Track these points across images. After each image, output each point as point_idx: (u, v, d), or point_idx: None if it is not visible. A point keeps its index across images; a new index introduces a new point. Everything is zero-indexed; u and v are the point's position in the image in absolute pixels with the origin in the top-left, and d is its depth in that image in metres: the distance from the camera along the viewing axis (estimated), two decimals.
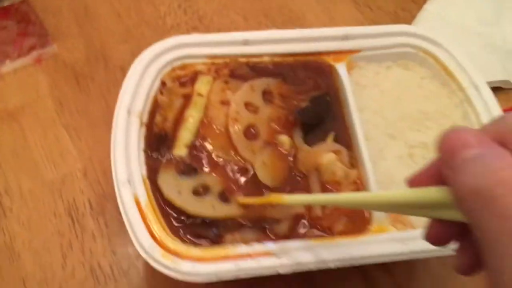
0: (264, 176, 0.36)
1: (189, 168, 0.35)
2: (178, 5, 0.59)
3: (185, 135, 0.37)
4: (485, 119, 0.39)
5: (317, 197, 0.33)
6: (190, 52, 0.40)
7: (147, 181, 0.35)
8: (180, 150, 0.36)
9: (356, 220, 0.35)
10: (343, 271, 0.42)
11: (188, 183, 0.35)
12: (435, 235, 0.24)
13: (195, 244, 0.33)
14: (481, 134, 0.21)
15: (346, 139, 0.39)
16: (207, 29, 0.56)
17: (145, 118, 0.37)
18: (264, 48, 0.41)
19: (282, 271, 0.32)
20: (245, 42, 0.41)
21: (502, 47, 0.56)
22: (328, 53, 0.42)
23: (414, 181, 0.24)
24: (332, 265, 0.33)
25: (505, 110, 0.52)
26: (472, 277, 0.25)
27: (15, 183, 0.46)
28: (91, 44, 0.54)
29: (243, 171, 0.36)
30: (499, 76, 0.54)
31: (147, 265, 0.42)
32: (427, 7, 0.58)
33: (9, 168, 0.46)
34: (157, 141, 0.36)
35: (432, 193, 0.23)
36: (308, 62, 0.41)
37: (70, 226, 0.44)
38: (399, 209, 0.26)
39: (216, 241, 0.34)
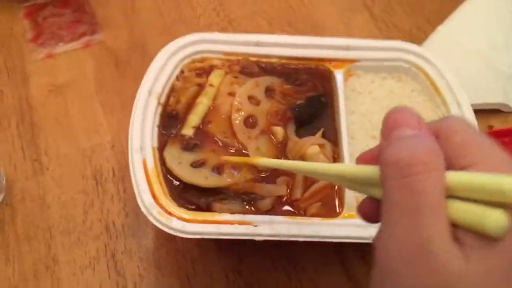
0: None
1: (192, 145, 0.42)
2: (213, 8, 0.65)
3: (194, 118, 0.43)
4: None
5: (284, 163, 0.35)
6: (209, 48, 0.47)
7: (156, 151, 0.42)
8: (188, 130, 0.43)
9: (329, 206, 0.40)
10: (321, 251, 0.47)
11: (189, 157, 0.41)
12: (365, 211, 0.26)
13: (188, 208, 0.39)
14: (423, 121, 0.23)
15: (333, 136, 0.44)
16: (235, 30, 0.63)
17: (163, 99, 0.44)
18: (273, 50, 0.47)
19: (257, 238, 0.38)
20: (257, 44, 0.47)
21: (506, 72, 0.59)
22: (330, 60, 0.47)
23: (361, 159, 0.26)
24: (300, 239, 0.38)
25: (489, 132, 0.56)
26: None
27: (54, 146, 0.53)
28: (133, 35, 0.62)
29: (239, 153, 0.42)
30: (499, 99, 0.57)
31: (153, 228, 0.49)
32: (440, 28, 0.62)
33: (51, 133, 0.54)
34: (169, 119, 0.43)
35: (368, 170, 0.24)
36: (310, 66, 0.47)
37: (94, 188, 0.51)
38: (344, 183, 0.28)
39: (205, 208, 0.40)
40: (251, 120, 0.44)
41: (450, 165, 0.22)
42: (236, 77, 0.45)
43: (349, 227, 0.38)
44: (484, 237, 0.20)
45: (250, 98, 0.44)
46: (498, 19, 0.63)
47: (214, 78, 0.45)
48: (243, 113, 0.44)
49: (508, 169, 0.21)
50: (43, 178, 0.52)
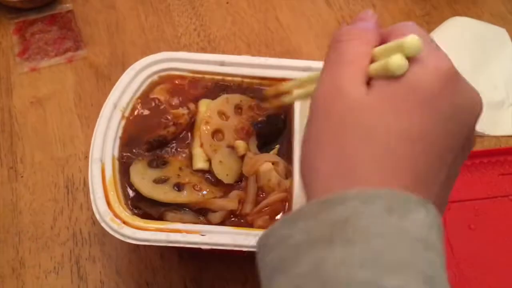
0: (219, 172, 0.44)
1: (159, 163, 0.44)
2: (194, 28, 0.68)
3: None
4: None
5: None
6: (176, 66, 0.49)
7: (116, 162, 0.44)
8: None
9: (275, 220, 0.42)
10: None
11: (152, 173, 0.43)
12: None
13: (141, 217, 0.41)
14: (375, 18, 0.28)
15: (288, 153, 0.46)
16: (214, 51, 0.65)
17: (127, 113, 0.46)
18: (237, 70, 0.49)
19: (203, 247, 0.40)
20: (222, 63, 0.49)
21: None
22: (290, 80, 0.49)
23: None
24: (244, 249, 0.39)
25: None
26: None
27: (30, 155, 0.56)
28: (115, 52, 0.65)
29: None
30: None
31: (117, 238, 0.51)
32: None
33: (28, 143, 0.57)
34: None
35: None
36: (272, 85, 0.49)
37: (64, 196, 0.54)
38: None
39: (158, 217, 0.42)
40: (219, 134, 0.46)
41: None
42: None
43: None
44: (387, 77, 0.25)
45: (219, 113, 0.46)
46: (464, 46, 0.65)
47: (203, 106, 0.48)
48: (209, 126, 0.45)
49: (431, 48, 0.26)
50: (17, 185, 0.54)
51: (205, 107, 0.47)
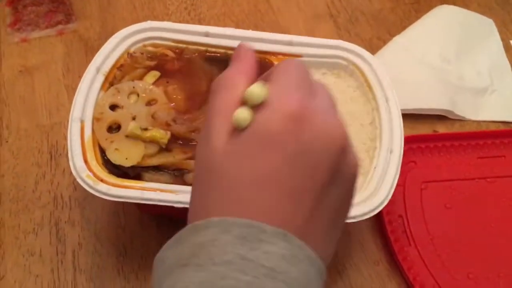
0: (116, 159, 0.43)
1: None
2: (185, 7, 0.69)
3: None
4: (386, 125, 0.46)
5: None
6: (160, 35, 0.50)
7: (96, 123, 0.45)
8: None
9: None
10: None
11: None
12: None
13: (117, 175, 0.42)
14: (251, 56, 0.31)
15: None
16: None
17: (110, 78, 0.47)
18: (221, 41, 0.50)
19: (176, 205, 0.40)
20: (206, 34, 0.50)
21: (455, 83, 0.62)
22: (274, 53, 0.50)
23: None
24: None
25: (434, 136, 0.58)
26: None
27: (16, 121, 0.57)
28: (105, 26, 0.66)
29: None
30: (445, 106, 0.59)
31: (98, 202, 0.52)
32: (396, 38, 0.65)
33: (15, 110, 0.58)
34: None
35: None
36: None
37: (47, 161, 0.54)
38: None
39: (134, 177, 0.42)
40: (116, 126, 0.46)
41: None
42: (167, 82, 0.48)
43: None
44: (241, 130, 0.27)
45: (112, 105, 0.46)
46: (450, 34, 0.66)
47: (149, 78, 0.48)
48: (102, 122, 0.45)
49: (278, 88, 0.27)
50: (1, 149, 0.55)
51: (153, 78, 0.48)
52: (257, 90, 0.27)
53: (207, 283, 0.23)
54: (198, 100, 0.47)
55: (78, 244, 0.50)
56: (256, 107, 0.27)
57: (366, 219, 0.52)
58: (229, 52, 0.50)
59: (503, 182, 0.56)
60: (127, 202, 0.49)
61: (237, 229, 0.24)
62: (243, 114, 0.26)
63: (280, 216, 0.25)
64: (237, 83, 0.28)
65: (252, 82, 0.28)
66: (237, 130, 0.27)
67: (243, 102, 0.27)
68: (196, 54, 0.50)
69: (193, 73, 0.49)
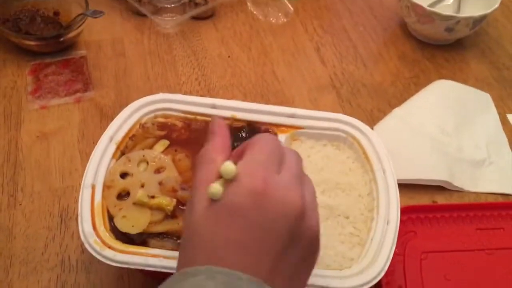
0: (122, 226, 0.45)
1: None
2: (195, 78, 0.73)
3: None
4: (383, 196, 0.48)
5: None
6: (171, 106, 0.53)
7: (106, 190, 0.47)
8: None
9: None
10: None
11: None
12: None
13: (123, 241, 0.44)
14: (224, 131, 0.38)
15: None
16: None
17: (122, 146, 0.50)
18: (227, 113, 0.53)
19: None
20: (213, 106, 0.53)
21: (453, 155, 0.64)
22: (277, 125, 0.53)
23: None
24: None
25: (433, 206, 0.60)
26: None
27: (30, 184, 0.60)
28: (120, 95, 0.70)
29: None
30: (444, 177, 0.61)
31: (103, 266, 0.53)
32: (396, 110, 0.68)
33: (30, 173, 0.61)
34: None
35: None
36: (259, 130, 0.53)
37: (58, 225, 0.56)
38: None
39: (140, 243, 0.44)
40: (125, 193, 0.48)
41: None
42: (176, 150, 0.51)
43: None
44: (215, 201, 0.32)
45: (122, 173, 0.48)
46: (449, 107, 0.69)
47: (159, 147, 0.51)
48: (112, 190, 0.47)
49: (247, 166, 0.33)
50: (15, 212, 0.57)
51: (162, 147, 0.51)
52: (228, 168, 0.32)
53: None
54: None
55: None
56: (229, 181, 0.32)
57: None
58: (235, 123, 0.53)
59: (502, 254, 0.56)
60: (131, 268, 0.51)
61: (220, 276, 0.29)
62: (215, 189, 0.32)
63: (249, 269, 0.30)
64: (214, 157, 0.34)
65: (227, 155, 0.35)
66: (212, 200, 0.32)
67: (220, 175, 0.33)
68: (203, 125, 0.53)
69: (198, 143, 0.52)
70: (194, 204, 0.33)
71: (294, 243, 0.32)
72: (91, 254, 0.53)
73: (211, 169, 0.34)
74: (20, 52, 0.73)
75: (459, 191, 0.62)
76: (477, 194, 0.63)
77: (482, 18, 0.74)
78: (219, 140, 0.36)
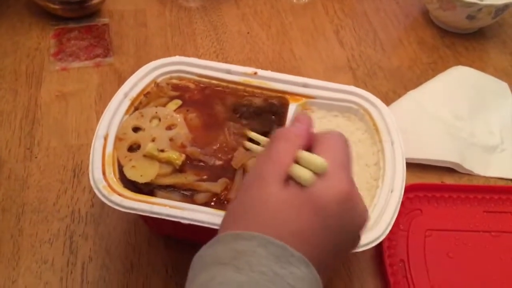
0: (131, 175, 0.46)
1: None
2: (213, 51, 0.74)
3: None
4: (390, 167, 0.48)
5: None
6: (186, 69, 0.54)
7: (118, 142, 0.48)
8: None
9: None
10: None
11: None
12: None
13: (131, 190, 0.45)
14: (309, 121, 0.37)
15: None
16: None
17: (136, 103, 0.51)
18: (241, 78, 0.54)
19: (182, 221, 0.43)
20: (228, 71, 0.54)
21: (466, 139, 0.64)
22: (290, 93, 0.54)
23: None
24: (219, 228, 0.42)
25: (441, 185, 0.59)
26: None
27: (47, 140, 0.61)
28: (138, 62, 0.71)
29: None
30: (455, 159, 0.61)
31: (111, 220, 0.55)
32: (411, 92, 0.68)
33: (48, 129, 0.62)
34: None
35: None
36: (271, 97, 0.53)
37: (71, 178, 0.58)
38: None
39: (147, 193, 0.45)
40: (136, 145, 0.49)
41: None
42: (187, 110, 0.52)
43: None
44: (299, 185, 0.33)
45: (134, 128, 0.50)
46: (464, 93, 0.68)
47: (172, 105, 0.52)
48: (124, 142, 0.48)
49: (335, 165, 0.34)
50: (30, 164, 0.59)
51: (175, 105, 0.52)
52: (320, 162, 0.33)
53: (245, 284, 0.29)
54: (213, 129, 0.50)
55: (88, 257, 0.52)
56: (317, 174, 0.33)
57: (368, 260, 0.54)
58: (248, 89, 0.54)
59: (508, 237, 0.56)
60: (138, 222, 0.53)
61: (272, 247, 0.30)
62: (309, 176, 0.32)
63: (304, 252, 0.31)
64: (296, 141, 0.35)
65: (305, 145, 0.35)
66: (295, 183, 0.33)
67: (297, 160, 0.34)
68: (215, 89, 0.54)
69: (210, 105, 0.53)
70: (266, 179, 0.33)
71: (349, 244, 0.36)
72: (100, 208, 0.55)
73: (291, 149, 0.34)
74: (45, 16, 0.75)
75: (469, 175, 0.62)
76: (486, 178, 0.62)
77: (505, 7, 0.73)
78: (304, 128, 0.36)
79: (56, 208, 0.55)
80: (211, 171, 0.48)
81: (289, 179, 0.33)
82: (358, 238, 0.36)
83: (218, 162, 0.48)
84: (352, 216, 0.34)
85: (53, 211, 0.55)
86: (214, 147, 0.49)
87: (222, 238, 0.32)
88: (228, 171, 0.48)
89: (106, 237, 0.54)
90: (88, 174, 0.57)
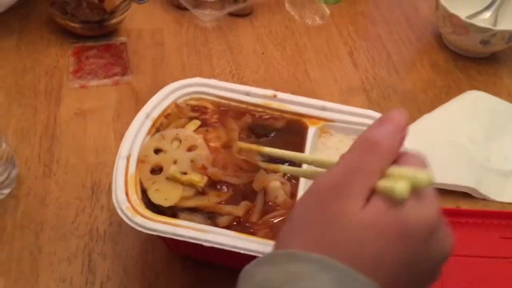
0: (156, 198, 0.47)
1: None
2: (229, 70, 0.75)
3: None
4: None
5: (285, 153, 0.46)
6: (205, 90, 0.55)
7: (140, 164, 0.49)
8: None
9: (276, 233, 0.45)
10: None
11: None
12: None
13: (152, 211, 0.46)
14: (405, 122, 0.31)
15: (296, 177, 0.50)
16: None
17: (157, 124, 0.52)
18: (260, 101, 0.55)
19: (205, 244, 0.43)
20: (247, 93, 0.55)
21: (481, 163, 0.64)
22: (308, 116, 0.54)
23: None
24: (242, 252, 0.43)
25: (456, 210, 0.60)
26: None
27: (65, 156, 0.62)
28: (156, 81, 0.72)
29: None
30: (470, 183, 0.61)
31: (129, 239, 0.55)
32: (426, 116, 0.69)
33: (66, 146, 0.63)
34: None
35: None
36: (290, 119, 0.54)
37: (89, 196, 0.58)
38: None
39: (170, 215, 0.46)
40: (158, 168, 0.49)
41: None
42: (207, 130, 0.53)
43: None
44: (386, 198, 0.28)
45: (156, 150, 0.50)
46: (479, 117, 0.69)
47: (191, 126, 0.53)
48: (146, 164, 0.49)
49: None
50: (49, 181, 0.59)
51: (194, 126, 0.52)
52: (430, 178, 0.27)
53: None
54: (232, 148, 0.51)
55: (106, 277, 0.52)
56: (414, 193, 0.28)
57: None
58: (267, 111, 0.55)
59: None
60: (156, 241, 0.53)
61: (335, 272, 0.26)
62: (406, 191, 0.27)
63: (376, 279, 0.27)
64: (391, 156, 0.29)
65: (397, 153, 0.30)
66: (381, 200, 0.28)
67: (386, 174, 0.29)
68: (232, 109, 0.55)
69: (228, 125, 0.53)
70: (352, 190, 0.28)
71: (428, 279, 0.31)
72: (118, 227, 0.55)
73: (382, 161, 0.29)
74: (64, 34, 0.76)
75: (484, 200, 0.62)
76: (502, 204, 0.63)
77: None
78: (399, 139, 0.30)
79: (75, 226, 0.56)
80: (233, 191, 0.48)
81: (373, 195, 0.28)
82: (439, 271, 0.31)
83: (240, 182, 0.49)
84: (439, 247, 0.29)
85: (71, 228, 0.56)
86: (235, 167, 0.49)
87: (276, 256, 0.28)
88: (250, 191, 0.48)
89: (124, 256, 0.54)
90: (106, 193, 0.59)
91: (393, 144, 0.29)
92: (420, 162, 0.30)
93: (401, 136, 0.30)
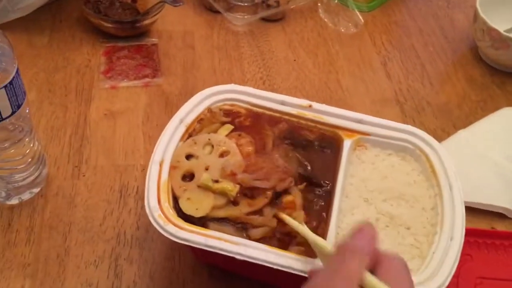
0: (187, 208, 0.46)
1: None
2: (260, 77, 0.74)
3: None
4: (449, 213, 0.47)
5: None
6: (240, 97, 0.54)
7: (172, 170, 0.48)
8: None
9: (307, 249, 0.44)
10: None
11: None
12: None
13: (183, 219, 0.45)
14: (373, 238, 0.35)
15: (330, 191, 0.48)
16: None
17: (190, 129, 0.51)
18: (295, 110, 0.54)
19: (237, 257, 0.42)
20: (282, 103, 0.54)
21: None
22: (343, 128, 0.53)
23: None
24: (274, 267, 0.42)
25: (491, 232, 0.58)
26: None
27: (94, 158, 0.61)
28: (186, 84, 0.71)
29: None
30: (505, 204, 0.59)
31: (157, 244, 0.54)
32: (461, 132, 0.67)
33: (96, 147, 0.63)
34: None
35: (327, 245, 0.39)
36: (325, 131, 0.53)
37: (117, 199, 0.58)
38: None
39: (201, 226, 0.45)
40: (190, 175, 0.49)
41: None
42: (239, 135, 0.52)
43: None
44: None
45: (187, 155, 0.49)
46: None
47: (223, 131, 0.52)
48: (178, 170, 0.48)
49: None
50: (78, 182, 0.59)
51: (226, 131, 0.51)
52: None
53: None
54: (265, 153, 0.50)
55: (133, 282, 0.52)
56: None
57: None
58: (301, 121, 0.54)
59: None
60: (183, 248, 0.52)
61: None
62: None
63: None
64: (365, 259, 0.34)
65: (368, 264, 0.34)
66: None
67: (363, 282, 0.32)
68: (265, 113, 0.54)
69: (261, 130, 0.52)
70: None
71: None
72: (145, 232, 0.55)
73: (360, 270, 0.33)
74: (96, 34, 0.76)
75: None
76: None
77: None
78: (371, 247, 0.35)
79: (102, 229, 0.55)
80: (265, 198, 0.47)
81: None
82: None
83: (269, 185, 0.47)
84: None
85: (99, 232, 0.55)
86: (265, 171, 0.48)
87: None
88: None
89: (150, 262, 0.53)
90: (133, 196, 0.58)
91: (366, 253, 0.34)
92: (399, 265, 0.35)
93: (372, 245, 0.35)
